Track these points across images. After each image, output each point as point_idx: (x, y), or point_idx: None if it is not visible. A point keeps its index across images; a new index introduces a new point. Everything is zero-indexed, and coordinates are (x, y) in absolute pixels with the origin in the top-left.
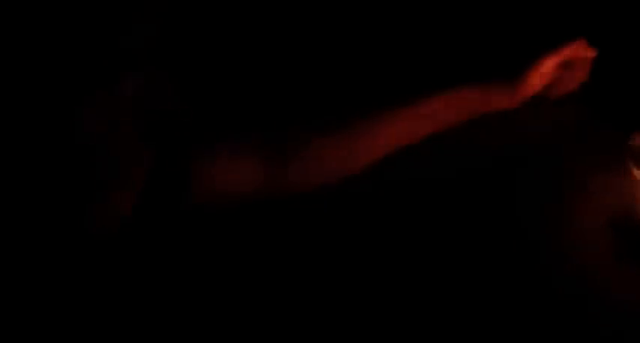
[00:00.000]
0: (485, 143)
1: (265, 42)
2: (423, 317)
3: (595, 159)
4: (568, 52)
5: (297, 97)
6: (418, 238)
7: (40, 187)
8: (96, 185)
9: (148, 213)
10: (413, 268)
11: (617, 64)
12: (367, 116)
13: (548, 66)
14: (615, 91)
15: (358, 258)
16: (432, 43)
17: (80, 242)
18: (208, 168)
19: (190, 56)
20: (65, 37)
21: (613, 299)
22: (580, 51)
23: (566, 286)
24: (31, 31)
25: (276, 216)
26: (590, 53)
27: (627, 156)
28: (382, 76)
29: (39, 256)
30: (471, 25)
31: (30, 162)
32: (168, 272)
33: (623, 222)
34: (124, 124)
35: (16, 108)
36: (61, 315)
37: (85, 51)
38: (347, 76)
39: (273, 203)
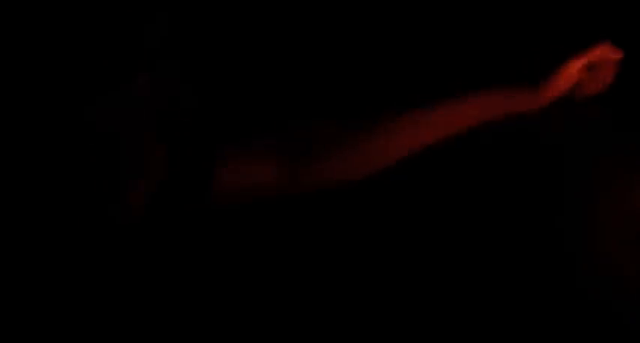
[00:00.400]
0: (509, 145)
1: (285, 45)
2: (436, 312)
3: (619, 160)
4: (593, 54)
5: (318, 97)
6: (437, 236)
7: (59, 180)
8: (111, 178)
9: (165, 209)
10: (426, 267)
11: None
12: (391, 118)
13: (573, 68)
14: None
15: (381, 257)
16: (458, 46)
17: (99, 229)
18: (231, 166)
19: (207, 56)
20: (81, 39)
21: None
22: (605, 53)
23: (591, 285)
24: (49, 34)
25: (296, 214)
26: (616, 55)
27: None
28: (407, 78)
29: (62, 243)
30: (497, 29)
31: (50, 157)
32: (181, 264)
33: None
34: (138, 122)
35: (38, 107)
36: (77, 301)
37: (100, 51)
38: (372, 77)
39: (294, 202)
